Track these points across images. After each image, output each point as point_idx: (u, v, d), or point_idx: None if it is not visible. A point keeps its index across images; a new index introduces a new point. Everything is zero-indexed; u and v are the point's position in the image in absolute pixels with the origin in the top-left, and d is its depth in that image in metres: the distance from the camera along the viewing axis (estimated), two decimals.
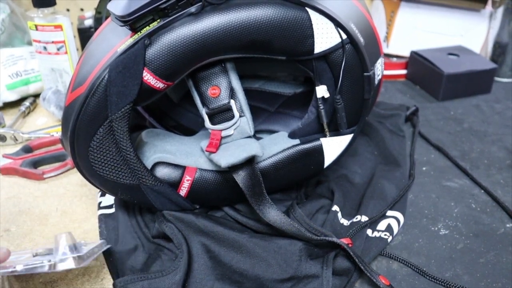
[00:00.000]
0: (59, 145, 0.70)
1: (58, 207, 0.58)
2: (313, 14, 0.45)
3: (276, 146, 0.53)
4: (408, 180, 0.62)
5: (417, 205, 0.58)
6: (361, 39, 0.48)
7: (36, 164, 0.66)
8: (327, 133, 0.52)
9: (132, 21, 0.42)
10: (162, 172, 0.51)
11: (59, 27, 0.75)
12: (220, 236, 0.49)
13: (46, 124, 0.78)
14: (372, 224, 0.53)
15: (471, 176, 0.64)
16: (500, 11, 0.92)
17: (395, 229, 0.53)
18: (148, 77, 0.44)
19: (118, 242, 0.51)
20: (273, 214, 0.49)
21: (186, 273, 0.46)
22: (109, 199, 0.57)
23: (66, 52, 0.78)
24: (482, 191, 0.61)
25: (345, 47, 0.47)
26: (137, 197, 0.51)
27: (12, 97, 0.81)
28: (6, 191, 0.61)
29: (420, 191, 0.61)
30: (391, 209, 0.56)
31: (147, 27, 0.44)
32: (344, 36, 0.46)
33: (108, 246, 0.49)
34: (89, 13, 0.93)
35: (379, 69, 0.52)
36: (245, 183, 0.49)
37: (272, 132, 0.59)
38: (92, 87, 0.44)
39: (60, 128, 0.50)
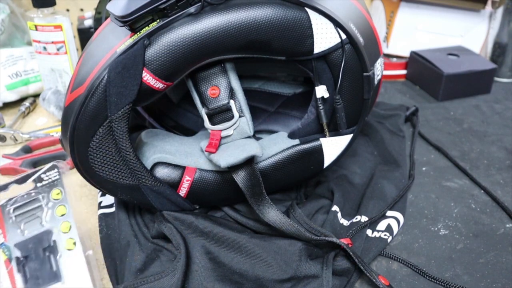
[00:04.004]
0: (59, 145, 0.70)
1: None
2: (312, 14, 0.45)
3: (276, 146, 0.53)
4: (408, 180, 0.62)
5: (417, 205, 0.58)
6: (361, 39, 0.48)
7: (36, 164, 0.66)
8: (327, 133, 0.52)
9: (132, 22, 0.42)
10: (162, 172, 0.51)
11: (58, 27, 0.75)
12: (220, 237, 0.49)
13: (46, 124, 0.78)
14: (372, 224, 0.53)
15: (471, 176, 0.64)
16: (500, 11, 0.92)
17: (395, 229, 0.53)
18: (148, 77, 0.44)
19: (118, 241, 0.51)
20: (273, 214, 0.49)
21: (184, 274, 0.46)
22: (109, 199, 0.57)
23: (66, 52, 0.78)
24: (482, 191, 0.61)
25: (345, 47, 0.47)
26: (137, 198, 0.51)
27: (12, 97, 0.82)
28: (6, 191, 0.61)
29: (420, 191, 0.61)
30: (391, 209, 0.56)
31: (147, 28, 0.44)
32: (344, 36, 0.46)
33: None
34: (89, 13, 0.93)
35: (378, 69, 0.52)
36: (245, 183, 0.49)
37: (271, 132, 0.59)
38: (92, 88, 0.44)
39: (59, 128, 0.50)
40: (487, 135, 0.75)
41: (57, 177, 0.48)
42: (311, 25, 0.45)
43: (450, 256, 0.50)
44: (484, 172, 0.65)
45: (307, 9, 0.45)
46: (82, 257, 0.44)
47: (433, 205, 0.59)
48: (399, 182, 0.61)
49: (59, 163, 0.48)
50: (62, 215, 0.46)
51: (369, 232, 0.52)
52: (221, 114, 0.51)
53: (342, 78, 0.48)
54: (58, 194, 0.47)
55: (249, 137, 0.52)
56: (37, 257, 0.43)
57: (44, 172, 0.48)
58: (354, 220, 0.53)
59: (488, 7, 0.93)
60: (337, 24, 0.46)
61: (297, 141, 0.53)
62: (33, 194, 0.47)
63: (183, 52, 0.44)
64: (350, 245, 0.48)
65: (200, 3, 0.43)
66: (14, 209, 0.46)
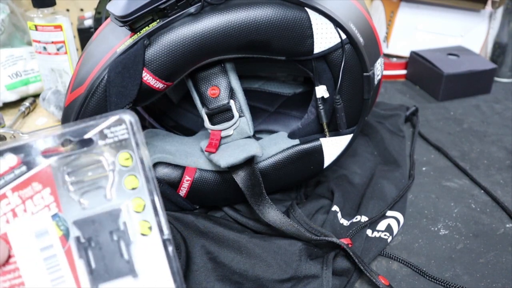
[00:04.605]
0: None
1: None
2: (312, 14, 0.45)
3: (276, 146, 0.53)
4: (408, 180, 0.62)
5: (417, 205, 0.58)
6: (361, 39, 0.48)
7: None
8: (327, 133, 0.52)
9: (132, 22, 0.42)
10: (162, 172, 0.51)
11: (58, 27, 0.75)
12: (220, 237, 0.49)
13: (45, 124, 0.78)
14: (372, 224, 0.53)
15: (471, 176, 0.64)
16: (500, 11, 0.92)
17: (395, 229, 0.53)
18: (148, 77, 0.44)
19: None
20: (273, 214, 0.49)
21: (184, 274, 0.46)
22: None
23: (66, 52, 0.78)
24: (482, 191, 0.61)
25: (345, 47, 0.47)
26: None
27: (12, 97, 0.81)
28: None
29: (420, 191, 0.61)
30: (391, 209, 0.56)
31: (147, 28, 0.44)
32: (344, 36, 0.46)
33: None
34: (89, 13, 0.93)
35: (378, 69, 0.52)
36: (245, 183, 0.49)
37: (271, 132, 0.59)
38: (92, 88, 0.44)
39: None
40: (487, 135, 0.75)
41: (126, 136, 0.34)
42: (311, 25, 0.45)
43: (450, 256, 0.50)
44: (484, 172, 0.65)
45: (307, 9, 0.45)
46: (160, 246, 0.34)
47: (433, 205, 0.59)
48: (399, 182, 0.61)
49: (127, 114, 0.34)
50: (133, 188, 0.34)
51: (369, 232, 0.52)
52: (221, 114, 0.51)
53: (342, 78, 0.48)
54: (127, 159, 0.34)
55: (249, 137, 0.52)
56: (104, 242, 0.34)
57: (108, 127, 0.34)
58: (354, 220, 0.53)
59: (488, 7, 0.93)
60: (337, 24, 0.46)
61: (297, 141, 0.53)
62: (92, 155, 0.34)
63: (183, 52, 0.44)
64: (350, 245, 0.48)
65: (200, 3, 0.43)
66: (69, 174, 0.34)
